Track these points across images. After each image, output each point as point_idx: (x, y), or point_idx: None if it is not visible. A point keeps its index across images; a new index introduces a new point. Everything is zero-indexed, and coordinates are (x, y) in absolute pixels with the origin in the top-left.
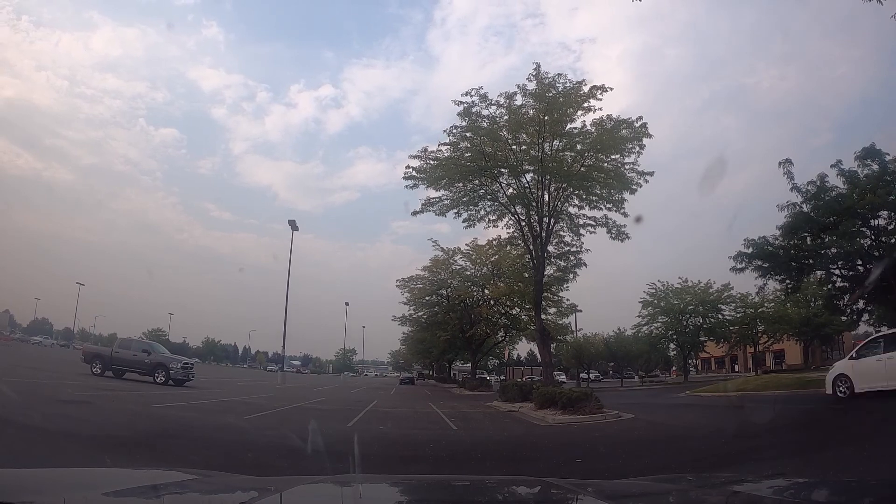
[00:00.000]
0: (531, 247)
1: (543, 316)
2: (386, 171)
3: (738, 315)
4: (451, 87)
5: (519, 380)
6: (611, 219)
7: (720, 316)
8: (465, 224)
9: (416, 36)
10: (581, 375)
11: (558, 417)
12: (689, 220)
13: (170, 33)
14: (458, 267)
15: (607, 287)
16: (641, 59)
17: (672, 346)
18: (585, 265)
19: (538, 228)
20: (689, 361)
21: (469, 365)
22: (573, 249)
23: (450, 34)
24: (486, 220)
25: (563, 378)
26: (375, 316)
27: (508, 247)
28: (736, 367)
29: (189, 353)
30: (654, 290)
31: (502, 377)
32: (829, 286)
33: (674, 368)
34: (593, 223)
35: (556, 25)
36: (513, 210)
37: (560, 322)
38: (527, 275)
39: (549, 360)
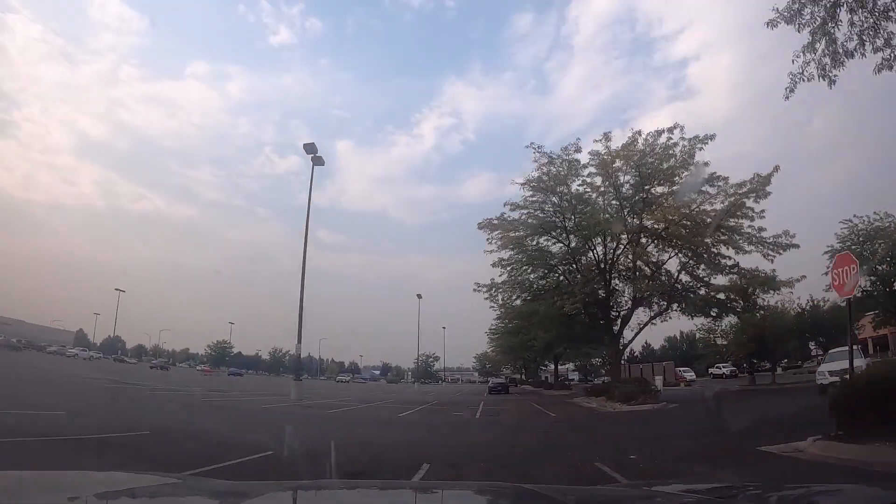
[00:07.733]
0: None
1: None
2: (494, 190)
3: None
4: (566, 110)
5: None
6: None
7: None
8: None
9: (534, 67)
10: (710, 371)
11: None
12: None
13: (301, 73)
14: (581, 188)
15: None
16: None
17: None
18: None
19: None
20: None
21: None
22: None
23: (566, 63)
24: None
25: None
26: (462, 324)
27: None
28: None
29: (259, 367)
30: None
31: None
32: None
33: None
34: None
35: (664, 48)
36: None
37: (757, 273)
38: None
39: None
